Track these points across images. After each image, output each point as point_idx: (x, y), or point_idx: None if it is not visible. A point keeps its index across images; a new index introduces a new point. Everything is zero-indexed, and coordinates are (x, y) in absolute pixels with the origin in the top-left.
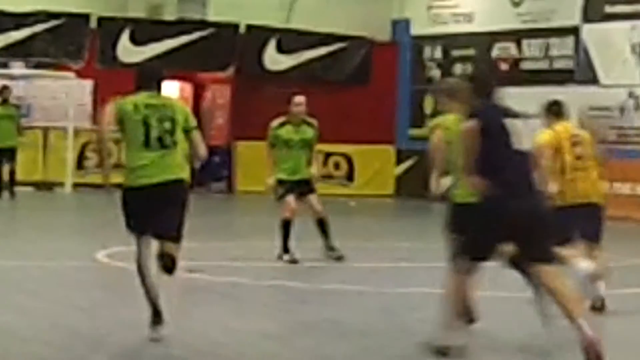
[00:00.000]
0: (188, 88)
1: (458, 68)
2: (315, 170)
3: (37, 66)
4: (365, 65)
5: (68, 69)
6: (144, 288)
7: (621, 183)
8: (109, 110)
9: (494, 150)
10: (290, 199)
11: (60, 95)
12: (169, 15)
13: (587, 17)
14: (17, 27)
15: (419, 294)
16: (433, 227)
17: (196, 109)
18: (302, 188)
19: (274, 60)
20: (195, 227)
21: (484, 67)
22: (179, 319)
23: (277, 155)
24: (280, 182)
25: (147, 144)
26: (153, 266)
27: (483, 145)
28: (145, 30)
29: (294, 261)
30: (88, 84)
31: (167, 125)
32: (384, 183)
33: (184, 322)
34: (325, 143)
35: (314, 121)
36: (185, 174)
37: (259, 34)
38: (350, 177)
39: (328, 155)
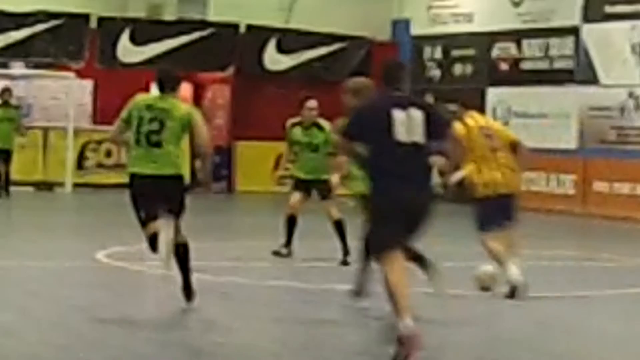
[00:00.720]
0: (188, 88)
1: (458, 68)
2: (334, 178)
3: (37, 66)
4: (365, 65)
5: (68, 69)
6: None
7: (621, 183)
8: (128, 105)
9: (377, 144)
10: (295, 196)
11: (60, 95)
12: (169, 15)
13: (587, 17)
14: (17, 27)
15: (419, 294)
16: (433, 227)
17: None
18: (316, 189)
19: (274, 60)
20: (195, 227)
21: (394, 61)
22: (179, 319)
23: (295, 153)
24: (291, 177)
25: (137, 140)
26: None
27: (368, 137)
28: (145, 30)
29: (278, 253)
30: (88, 84)
31: (155, 126)
32: None
33: (184, 322)
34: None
35: (325, 124)
36: (173, 171)
37: (259, 34)
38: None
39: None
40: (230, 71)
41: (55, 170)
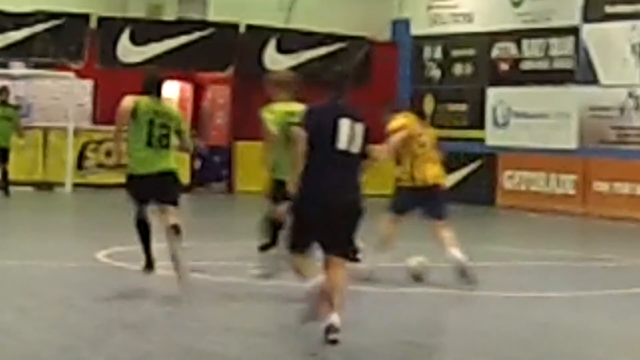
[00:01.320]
0: (188, 88)
1: (458, 68)
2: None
3: (37, 66)
4: (365, 65)
5: (68, 69)
6: (141, 238)
7: (621, 183)
8: (127, 103)
9: (317, 149)
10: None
11: (60, 95)
12: (169, 15)
13: (587, 17)
14: (17, 27)
15: (419, 294)
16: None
17: (196, 109)
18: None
19: (274, 60)
20: (195, 227)
21: (342, 68)
22: (179, 319)
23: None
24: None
25: (149, 143)
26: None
27: (313, 139)
28: (145, 30)
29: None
30: (88, 84)
31: (165, 130)
32: (384, 183)
33: (184, 322)
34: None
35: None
36: (175, 167)
37: (259, 34)
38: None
39: None
40: (230, 71)
41: (55, 170)
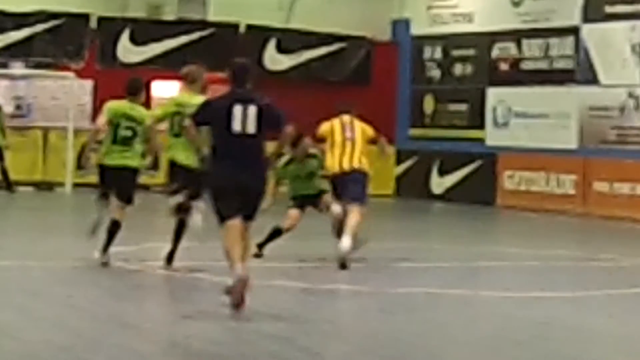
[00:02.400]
0: None
1: (458, 68)
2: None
3: (37, 66)
4: (365, 65)
5: (68, 69)
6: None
7: (621, 183)
8: (105, 110)
9: (217, 133)
10: (294, 212)
11: (60, 95)
12: (169, 15)
13: (587, 17)
14: (17, 27)
15: (419, 294)
16: (433, 227)
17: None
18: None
19: (274, 60)
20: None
21: (240, 62)
22: (179, 319)
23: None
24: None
25: (114, 141)
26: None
27: (211, 128)
28: (145, 30)
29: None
30: (88, 84)
31: (129, 132)
32: (384, 183)
33: (184, 322)
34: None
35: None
36: (136, 164)
37: (259, 34)
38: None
39: None
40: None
41: (55, 170)
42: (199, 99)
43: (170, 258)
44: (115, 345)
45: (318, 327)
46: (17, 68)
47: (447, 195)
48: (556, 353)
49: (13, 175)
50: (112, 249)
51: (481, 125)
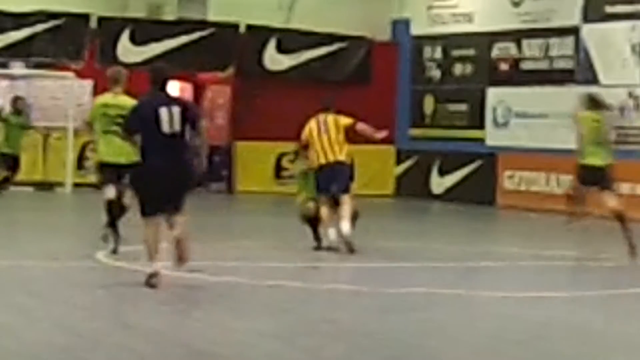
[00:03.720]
0: (188, 88)
1: (458, 68)
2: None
3: (37, 66)
4: (365, 65)
5: (68, 69)
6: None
7: (621, 183)
8: (92, 106)
9: (147, 132)
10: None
11: (60, 95)
12: (169, 15)
13: (587, 17)
14: (17, 27)
15: (419, 294)
16: (433, 227)
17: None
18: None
19: (274, 60)
20: (195, 227)
21: (160, 66)
22: (179, 319)
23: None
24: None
25: (103, 131)
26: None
27: (142, 128)
28: (145, 30)
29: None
30: (88, 84)
31: (119, 119)
32: (384, 183)
33: (184, 322)
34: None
35: None
36: (126, 159)
37: (259, 34)
38: (350, 177)
39: None
40: (230, 71)
41: (55, 170)
42: (122, 99)
43: (115, 250)
44: (115, 345)
45: (318, 327)
46: (17, 68)
47: (447, 195)
48: (556, 353)
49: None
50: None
51: (481, 125)
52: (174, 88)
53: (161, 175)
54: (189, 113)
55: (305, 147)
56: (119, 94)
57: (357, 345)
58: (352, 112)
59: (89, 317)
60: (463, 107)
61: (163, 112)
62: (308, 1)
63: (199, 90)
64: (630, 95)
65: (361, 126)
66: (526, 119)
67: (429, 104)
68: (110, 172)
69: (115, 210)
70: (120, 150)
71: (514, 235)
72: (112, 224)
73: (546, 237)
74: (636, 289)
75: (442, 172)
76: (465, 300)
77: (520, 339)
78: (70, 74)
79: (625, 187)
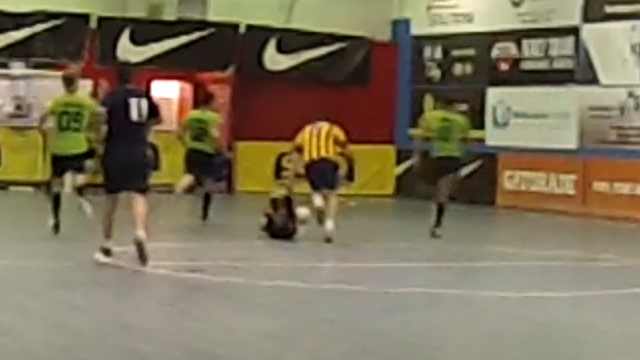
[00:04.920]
0: (188, 88)
1: (458, 68)
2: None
3: (37, 66)
4: (365, 65)
5: (68, 69)
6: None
7: (621, 183)
8: (48, 105)
9: (116, 121)
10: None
11: None
12: (169, 15)
13: (587, 17)
14: (17, 27)
15: (419, 294)
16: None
17: (196, 109)
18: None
19: (274, 60)
20: (195, 227)
21: (124, 65)
22: (179, 319)
23: None
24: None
25: (60, 128)
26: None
27: (111, 118)
28: (145, 30)
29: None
30: (88, 84)
31: (74, 116)
32: (384, 183)
33: (184, 322)
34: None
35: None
36: (84, 149)
37: (259, 34)
38: (350, 177)
39: None
40: (230, 71)
41: None
42: (80, 98)
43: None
44: (115, 345)
45: (318, 327)
46: (17, 68)
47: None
48: (556, 353)
49: (13, 176)
50: (113, 249)
51: (481, 125)
52: (173, 88)
53: (126, 159)
54: (154, 106)
55: (299, 150)
56: (74, 92)
57: (357, 345)
58: (352, 112)
59: (89, 317)
60: (463, 107)
61: (133, 102)
62: (308, 1)
63: (199, 90)
64: (630, 95)
65: (348, 151)
66: (526, 119)
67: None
68: (62, 164)
69: (58, 198)
70: (75, 144)
71: (514, 235)
72: (56, 209)
73: (546, 237)
74: (636, 289)
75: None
76: (465, 300)
77: (520, 339)
78: None
79: (625, 187)
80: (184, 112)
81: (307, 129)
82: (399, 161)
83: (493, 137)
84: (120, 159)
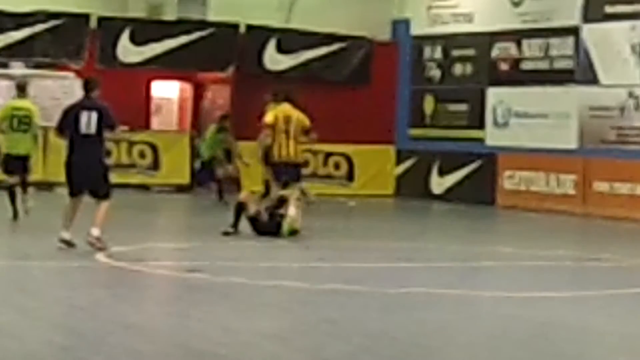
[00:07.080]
0: (188, 88)
1: (458, 68)
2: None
3: (37, 66)
4: (365, 65)
5: (68, 69)
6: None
7: (621, 183)
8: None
9: (71, 132)
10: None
11: (60, 95)
12: (169, 15)
13: (587, 17)
14: (17, 27)
15: (419, 294)
16: (433, 227)
17: (196, 109)
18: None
19: (274, 60)
20: (195, 227)
21: (89, 78)
22: (179, 319)
23: None
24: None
25: (14, 129)
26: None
27: (67, 128)
28: (145, 30)
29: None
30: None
31: (24, 120)
32: (384, 183)
33: (184, 322)
34: (325, 143)
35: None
36: (31, 151)
37: (259, 34)
38: (350, 177)
39: (328, 155)
40: (230, 71)
41: (55, 170)
42: (27, 104)
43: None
44: (115, 345)
45: (318, 327)
46: (17, 68)
47: (447, 195)
48: (556, 353)
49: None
50: (113, 249)
51: (481, 125)
52: (173, 88)
53: (78, 167)
54: (105, 118)
55: (270, 126)
56: (24, 99)
57: (357, 345)
58: (352, 112)
59: (89, 317)
60: (463, 107)
61: (83, 115)
62: (308, 1)
63: (199, 90)
64: (630, 95)
65: (313, 136)
66: (526, 119)
67: (429, 104)
68: (14, 162)
69: (14, 192)
70: (23, 145)
71: (514, 235)
72: (13, 201)
73: (546, 237)
74: (636, 289)
75: (442, 172)
76: (466, 300)
77: (520, 339)
78: (70, 74)
79: (625, 187)
80: (184, 112)
81: (280, 117)
82: (399, 161)
83: (493, 137)
84: (74, 168)
